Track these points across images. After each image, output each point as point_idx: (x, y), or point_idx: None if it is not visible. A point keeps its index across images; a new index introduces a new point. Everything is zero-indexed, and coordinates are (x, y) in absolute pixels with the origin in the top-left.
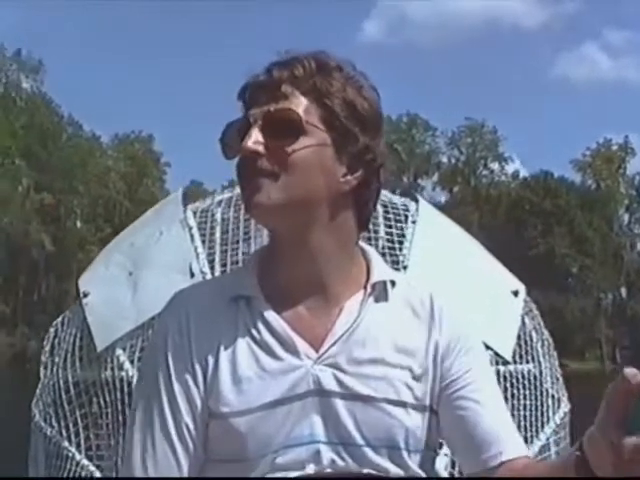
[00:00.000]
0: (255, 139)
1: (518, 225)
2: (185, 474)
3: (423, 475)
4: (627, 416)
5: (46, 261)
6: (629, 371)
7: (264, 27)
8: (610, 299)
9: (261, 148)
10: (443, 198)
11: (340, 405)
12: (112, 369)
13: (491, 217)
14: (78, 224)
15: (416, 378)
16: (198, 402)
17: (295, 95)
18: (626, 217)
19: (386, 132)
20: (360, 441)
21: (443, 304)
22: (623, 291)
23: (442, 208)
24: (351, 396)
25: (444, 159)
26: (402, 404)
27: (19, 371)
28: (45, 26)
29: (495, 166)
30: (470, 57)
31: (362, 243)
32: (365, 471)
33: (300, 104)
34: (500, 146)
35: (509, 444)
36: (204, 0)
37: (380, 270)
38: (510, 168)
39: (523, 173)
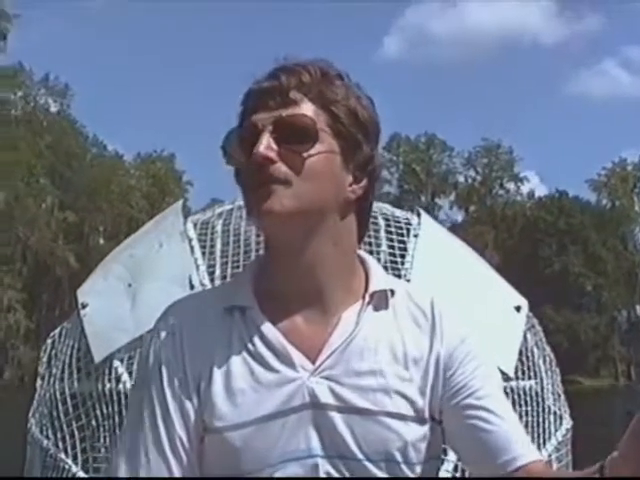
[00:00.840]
0: (267, 145)
1: (533, 244)
2: None
3: None
4: None
5: (69, 278)
6: None
7: (285, 44)
8: (624, 317)
9: (273, 154)
10: (460, 217)
11: (337, 418)
12: (110, 381)
13: (507, 236)
14: (101, 241)
15: (416, 390)
16: (192, 416)
17: (304, 101)
18: None
19: (404, 152)
20: (358, 455)
21: (443, 310)
22: (638, 309)
23: (459, 227)
24: (348, 409)
25: (461, 179)
26: (401, 417)
27: None
28: (69, 48)
29: (511, 186)
30: (488, 74)
31: (361, 252)
32: None
33: (309, 110)
34: (516, 166)
35: (523, 448)
36: (224, 30)
37: (379, 279)
38: (526, 188)
39: (542, 191)
